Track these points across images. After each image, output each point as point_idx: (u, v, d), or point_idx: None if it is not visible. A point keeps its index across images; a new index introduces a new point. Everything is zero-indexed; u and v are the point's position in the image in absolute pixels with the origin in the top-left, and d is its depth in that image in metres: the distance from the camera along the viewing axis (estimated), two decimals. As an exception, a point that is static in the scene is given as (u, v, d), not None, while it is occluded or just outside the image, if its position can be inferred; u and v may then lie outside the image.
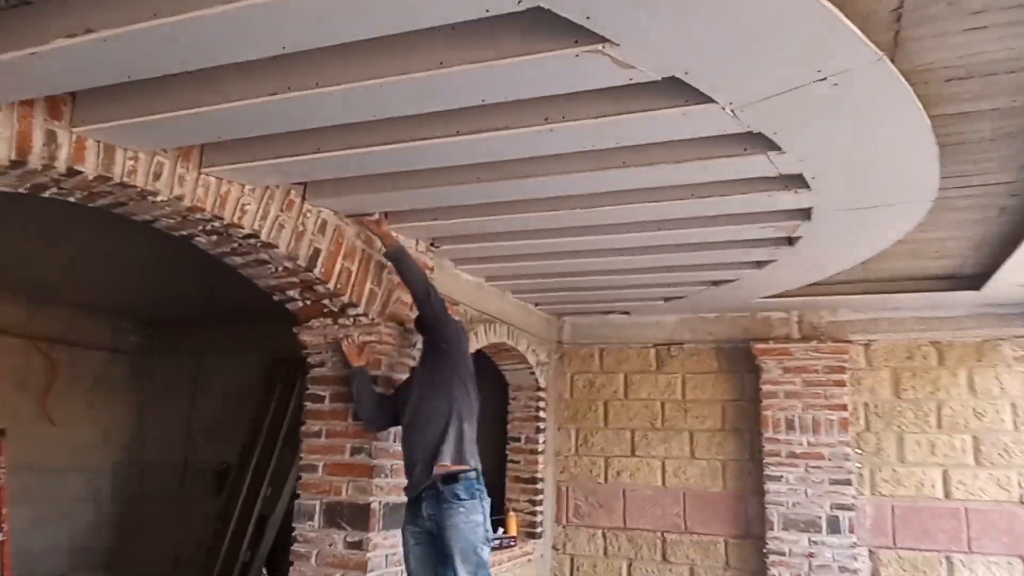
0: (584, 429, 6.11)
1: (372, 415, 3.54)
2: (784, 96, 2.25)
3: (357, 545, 3.47)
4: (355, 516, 3.51)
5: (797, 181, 3.00)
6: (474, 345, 4.67)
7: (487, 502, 3.20)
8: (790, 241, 3.86)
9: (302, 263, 3.35)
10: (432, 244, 4.15)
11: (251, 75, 2.36)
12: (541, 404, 5.68)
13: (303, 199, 3.35)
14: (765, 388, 5.46)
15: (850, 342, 5.36)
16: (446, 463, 3.14)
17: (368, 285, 3.65)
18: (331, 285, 3.47)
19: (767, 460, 5.38)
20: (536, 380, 5.65)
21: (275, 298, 3.70)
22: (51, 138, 2.54)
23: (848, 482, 5.17)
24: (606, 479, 5.99)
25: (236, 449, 7.06)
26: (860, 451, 5.31)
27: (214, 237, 3.25)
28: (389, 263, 3.58)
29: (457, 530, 3.05)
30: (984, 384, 5.17)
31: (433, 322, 3.44)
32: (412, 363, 3.85)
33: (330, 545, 3.51)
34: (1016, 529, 4.93)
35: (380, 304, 3.70)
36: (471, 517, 3.10)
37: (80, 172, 2.63)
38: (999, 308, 5.13)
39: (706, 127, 2.53)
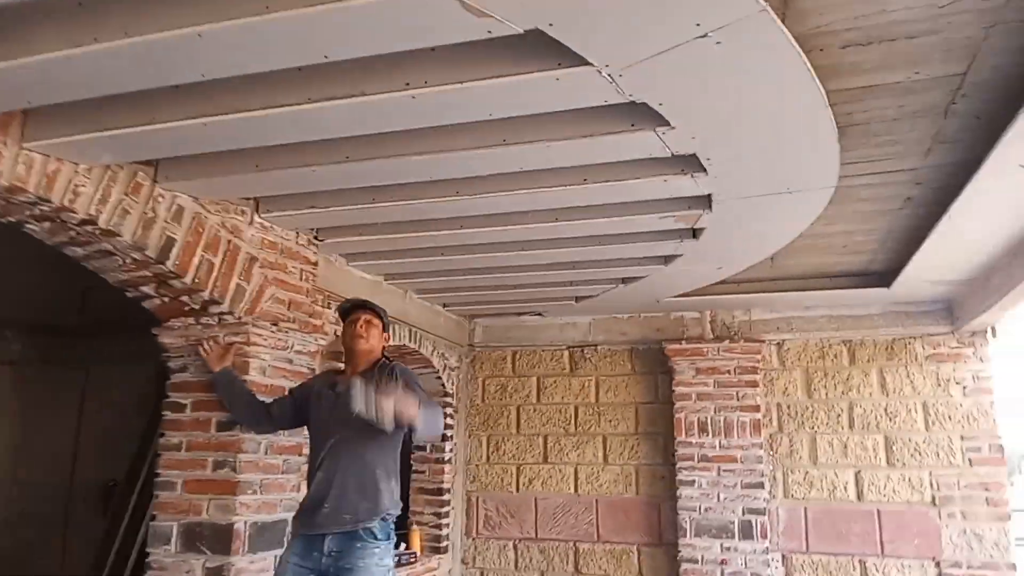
0: (496, 436, 5.83)
1: (257, 416, 3.16)
2: (664, 57, 2.02)
3: (218, 572, 3.09)
4: (216, 539, 3.13)
5: (693, 164, 2.79)
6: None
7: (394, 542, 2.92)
8: (694, 234, 3.66)
9: (152, 254, 2.97)
10: (316, 236, 3.80)
11: (75, 20, 2.01)
12: (448, 411, 5.37)
13: (154, 181, 2.98)
14: (678, 390, 5.28)
15: (763, 341, 5.23)
16: (377, 514, 2.82)
17: (234, 280, 3.28)
18: (188, 280, 3.10)
19: (680, 464, 5.19)
20: (443, 385, 5.34)
21: (128, 295, 3.29)
22: None
23: (761, 485, 5.02)
24: (518, 488, 5.71)
25: (126, 465, 6.54)
26: (772, 453, 5.18)
27: (46, 224, 2.85)
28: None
29: (368, 572, 2.74)
30: (895, 383, 5.10)
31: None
32: (289, 367, 3.50)
33: (187, 572, 3.12)
34: (929, 531, 4.85)
35: (249, 301, 3.33)
36: (383, 560, 2.82)
37: None
38: (910, 306, 5.07)
39: (586, 96, 2.28)
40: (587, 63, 2.06)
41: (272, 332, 3.42)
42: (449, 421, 5.40)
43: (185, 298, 3.23)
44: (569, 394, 5.74)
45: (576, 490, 5.59)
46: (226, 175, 2.93)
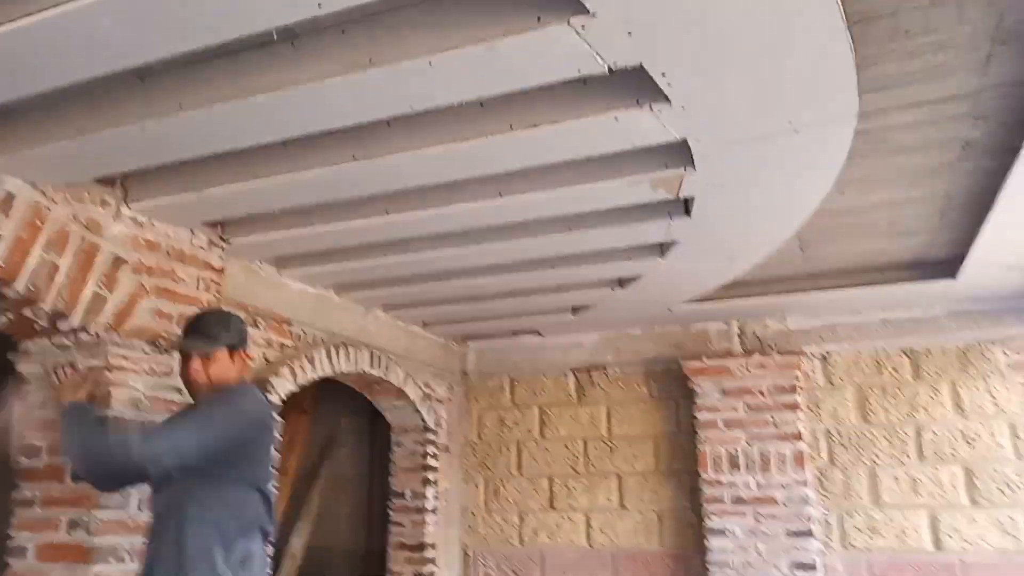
0: (494, 478, 5.00)
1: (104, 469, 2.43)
2: None
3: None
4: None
5: (646, 87, 1.99)
6: (315, 373, 3.63)
7: None
8: (686, 208, 2.85)
9: (-40, 254, 2.32)
10: (221, 236, 3.12)
11: None
12: (430, 449, 4.58)
13: (-34, 162, 2.34)
14: (701, 417, 4.38)
15: (802, 354, 4.30)
16: None
17: (89, 287, 2.60)
18: (19, 287, 2.43)
19: (708, 508, 4.26)
20: (422, 419, 4.56)
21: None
22: None
23: (810, 533, 4.05)
24: (521, 540, 4.85)
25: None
26: (823, 492, 4.21)
27: None
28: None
29: None
30: (973, 401, 4.09)
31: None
32: (179, 399, 2.78)
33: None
34: (1029, 585, 3.81)
35: (112, 315, 2.65)
36: None
37: None
38: (985, 302, 4.08)
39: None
40: None
41: (148, 354, 2.72)
42: (433, 463, 4.60)
43: (28, 312, 2.57)
44: (577, 426, 4.89)
45: (589, 542, 4.70)
46: (66, 140, 2.26)
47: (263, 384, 3.26)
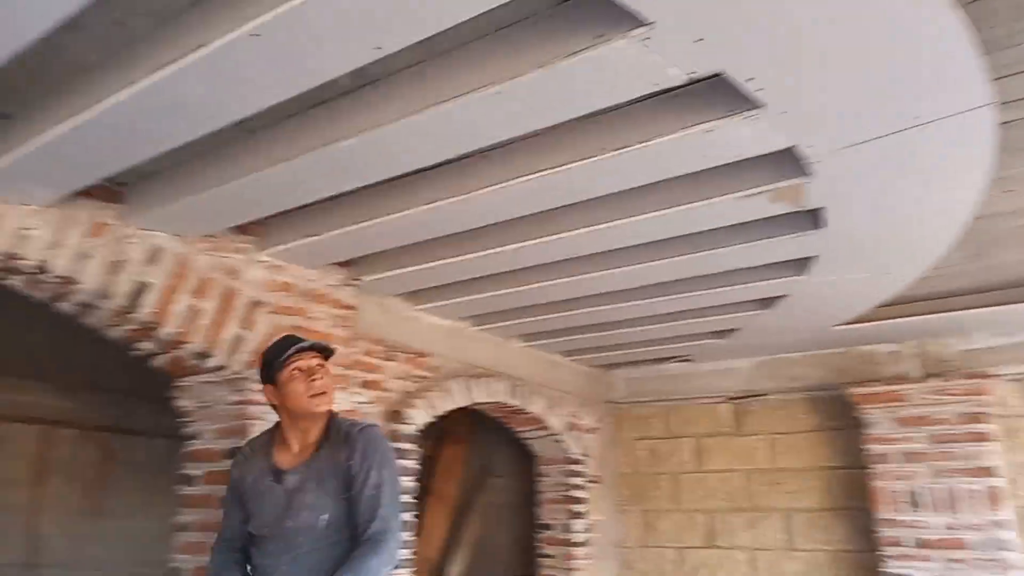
0: (650, 512, 4.80)
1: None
2: None
3: None
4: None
5: (742, 99, 1.83)
6: (451, 404, 3.69)
7: None
8: (815, 220, 2.59)
9: (120, 302, 2.60)
10: (352, 274, 3.27)
11: None
12: (577, 481, 4.48)
13: (122, 221, 2.63)
14: (873, 449, 3.94)
15: (991, 377, 3.75)
16: None
17: (230, 328, 2.82)
18: (169, 331, 2.69)
19: (887, 552, 3.81)
20: (566, 450, 4.48)
21: (131, 354, 2.96)
22: None
23: (1012, 584, 3.49)
24: (680, 578, 4.61)
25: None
26: (1027, 538, 3.62)
27: (12, 277, 2.60)
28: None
29: None
30: None
31: None
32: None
33: None
34: None
35: (251, 352, 2.85)
36: None
37: None
38: None
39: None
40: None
41: (281, 388, 2.88)
42: (580, 494, 4.50)
43: (179, 352, 2.83)
44: (735, 458, 4.58)
45: (753, 583, 4.36)
46: (198, 193, 2.48)
47: (398, 416, 3.36)
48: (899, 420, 3.89)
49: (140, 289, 2.63)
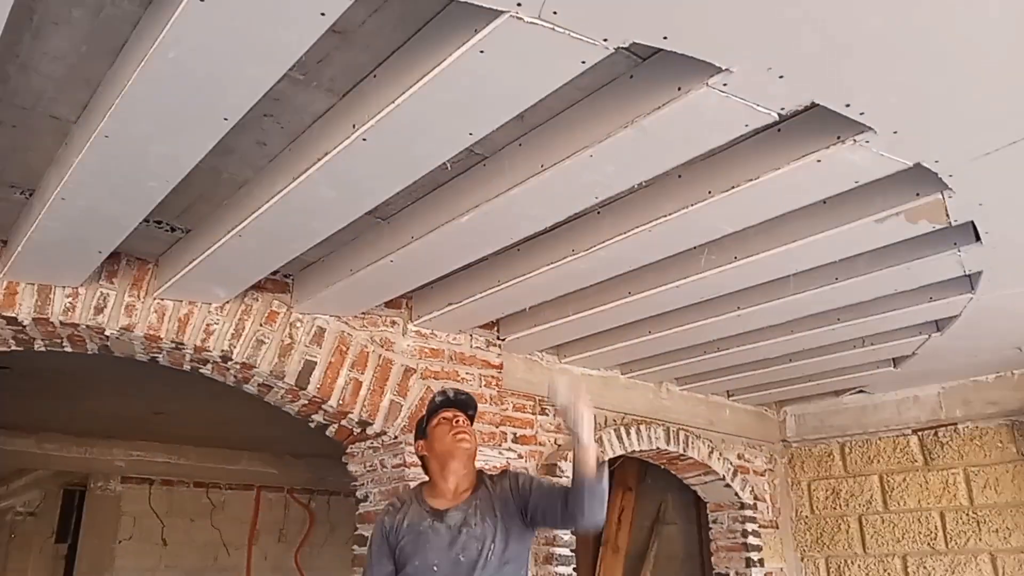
0: (836, 557, 4.48)
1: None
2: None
3: None
4: None
5: (849, 125, 1.78)
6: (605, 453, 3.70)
7: None
8: (976, 235, 2.39)
9: (291, 381, 2.90)
10: (498, 336, 3.42)
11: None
12: (750, 527, 4.28)
13: (289, 308, 2.95)
14: (1090, 479, 3.46)
15: None
16: None
17: (387, 396, 3.04)
18: (333, 403, 2.95)
19: None
20: (737, 494, 4.31)
21: (311, 425, 3.26)
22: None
23: None
24: (879, 629, 4.23)
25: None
26: None
27: (204, 367, 2.99)
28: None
29: None
30: None
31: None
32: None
33: None
34: None
35: (406, 418, 3.05)
36: None
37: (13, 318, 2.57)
38: None
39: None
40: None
41: (438, 450, 3.05)
42: (756, 541, 4.29)
43: (344, 422, 3.08)
44: (928, 495, 4.19)
45: (965, 635, 3.92)
46: (351, 275, 2.74)
47: (553, 469, 3.42)
48: (1122, 444, 3.40)
49: (308, 368, 2.92)
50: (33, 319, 2.60)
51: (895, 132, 1.80)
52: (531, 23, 1.40)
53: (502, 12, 1.39)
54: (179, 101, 1.62)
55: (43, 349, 2.92)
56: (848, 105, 1.70)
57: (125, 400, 5.06)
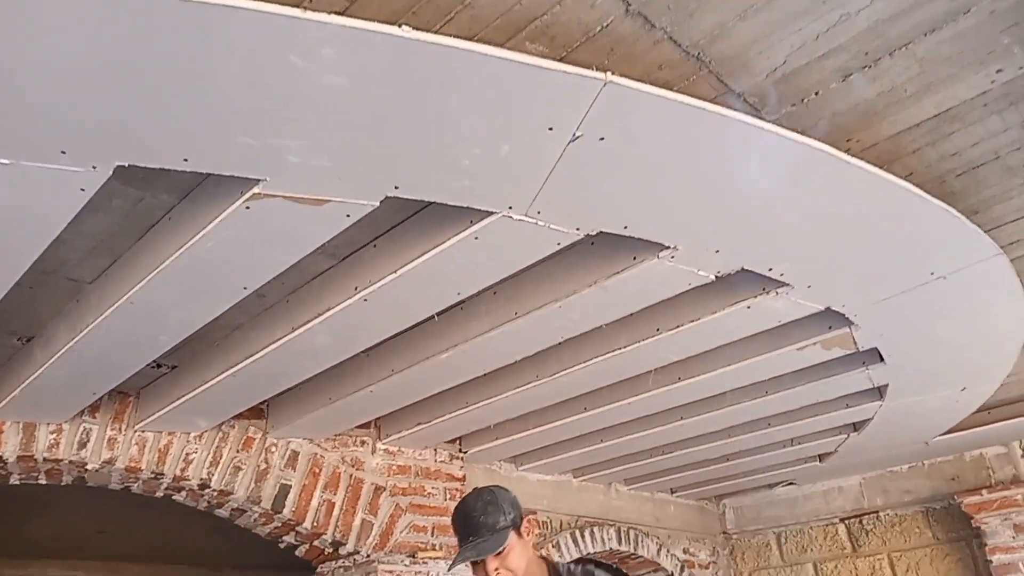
0: (781, 645, 4.71)
1: None
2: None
3: None
4: None
5: (772, 281, 2.15)
6: (562, 559, 3.89)
7: None
8: (880, 356, 2.79)
9: (267, 505, 3.02)
10: (460, 449, 3.63)
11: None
12: (700, 620, 4.50)
13: (264, 433, 3.11)
14: (995, 560, 3.84)
15: (1107, 473, 3.66)
16: None
17: (359, 515, 3.19)
18: (307, 525, 3.08)
19: (1037, 671, 3.64)
20: (685, 589, 4.53)
21: (281, 546, 3.36)
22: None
23: None
24: None
25: None
26: None
27: (179, 494, 3.09)
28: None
29: None
30: None
31: None
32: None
33: None
34: None
35: (377, 536, 3.20)
36: None
37: (-1, 457, 2.64)
38: None
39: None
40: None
41: (407, 566, 3.20)
42: (704, 634, 4.51)
43: (316, 543, 3.20)
44: (859, 581, 4.51)
45: None
46: (325, 407, 2.94)
47: None
48: (1015, 527, 3.81)
49: (284, 492, 3.06)
50: (17, 457, 2.68)
51: (809, 287, 2.18)
52: (519, 220, 1.72)
53: (494, 212, 1.70)
54: (207, 278, 1.85)
55: (17, 483, 2.98)
56: (770, 269, 2.07)
57: (70, 520, 4.97)
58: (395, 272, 1.93)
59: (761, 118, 1.66)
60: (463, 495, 3.34)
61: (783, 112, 1.76)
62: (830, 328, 2.52)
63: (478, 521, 1.92)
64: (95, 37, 1.17)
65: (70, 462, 2.77)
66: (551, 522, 4.01)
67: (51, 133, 1.35)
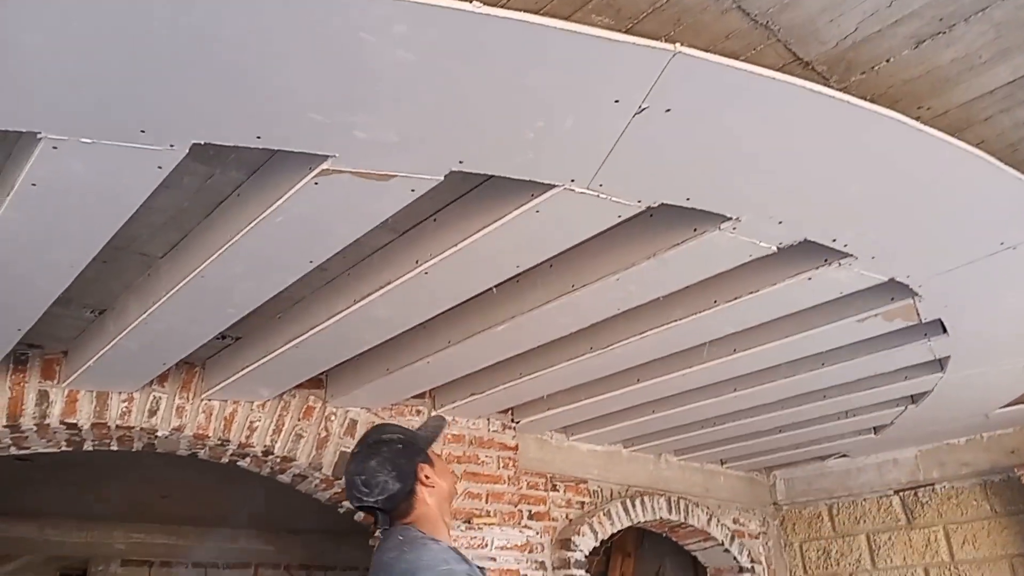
0: (831, 616, 4.71)
1: None
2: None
3: None
4: None
5: (836, 252, 2.12)
6: (613, 527, 3.93)
7: None
8: (944, 327, 2.73)
9: (328, 472, 3.11)
10: (513, 419, 3.67)
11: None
12: (751, 588, 4.52)
13: (324, 402, 3.19)
14: (1058, 535, 3.77)
15: None
16: None
17: (415, 482, 3.26)
18: (366, 490, 3.15)
19: (1099, 647, 3.58)
20: (735, 558, 4.54)
21: (340, 511, 3.46)
22: (43, 397, 2.74)
23: None
24: None
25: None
26: None
27: (243, 460, 3.19)
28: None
29: None
30: None
31: None
32: (493, 568, 3.28)
33: None
34: None
35: (434, 502, 3.26)
36: None
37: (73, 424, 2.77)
38: None
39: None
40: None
41: (463, 531, 3.27)
42: (755, 602, 4.52)
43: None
44: (913, 553, 4.46)
45: None
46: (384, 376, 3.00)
47: (567, 544, 3.64)
48: (1084, 502, 3.72)
49: (343, 459, 3.14)
50: (92, 424, 2.80)
51: (873, 257, 2.14)
52: (581, 193, 1.72)
53: (556, 186, 1.70)
54: (276, 252, 1.90)
55: (91, 448, 3.12)
56: (834, 240, 2.03)
57: (133, 486, 5.18)
58: (456, 246, 1.95)
59: (829, 87, 1.63)
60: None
61: (852, 80, 1.71)
62: (892, 299, 2.48)
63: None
64: (173, 21, 1.20)
65: (141, 429, 2.88)
66: (601, 491, 4.05)
67: (131, 113, 1.39)
